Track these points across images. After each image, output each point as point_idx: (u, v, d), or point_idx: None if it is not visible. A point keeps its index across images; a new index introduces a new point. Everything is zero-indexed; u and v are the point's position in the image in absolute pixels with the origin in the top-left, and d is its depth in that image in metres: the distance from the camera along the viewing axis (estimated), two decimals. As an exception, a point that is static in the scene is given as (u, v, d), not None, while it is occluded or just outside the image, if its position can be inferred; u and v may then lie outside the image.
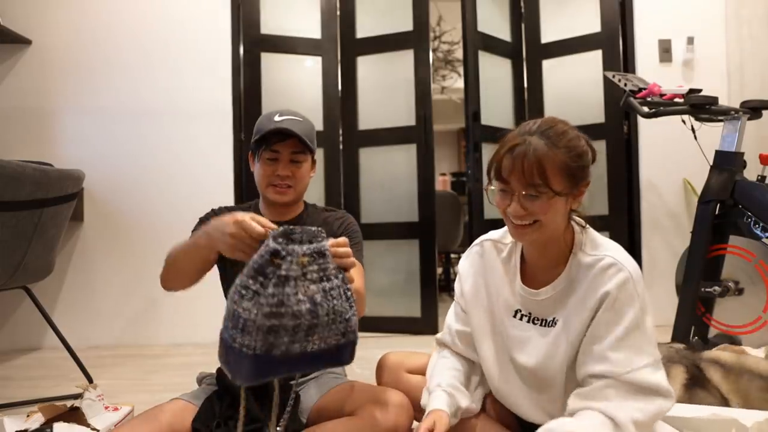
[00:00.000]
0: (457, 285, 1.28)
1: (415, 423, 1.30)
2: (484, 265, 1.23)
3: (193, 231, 1.33)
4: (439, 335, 1.32)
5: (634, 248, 3.00)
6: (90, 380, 1.98)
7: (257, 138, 1.34)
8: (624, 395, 0.97)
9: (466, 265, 1.26)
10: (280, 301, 0.84)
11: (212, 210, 1.42)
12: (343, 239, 1.00)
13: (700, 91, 2.22)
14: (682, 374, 1.48)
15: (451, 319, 1.29)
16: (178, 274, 1.23)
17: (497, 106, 3.19)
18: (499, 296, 1.19)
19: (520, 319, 1.15)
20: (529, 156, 1.02)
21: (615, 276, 1.01)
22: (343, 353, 0.93)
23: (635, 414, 0.95)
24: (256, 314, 0.83)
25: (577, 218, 1.13)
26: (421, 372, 1.32)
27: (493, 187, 1.10)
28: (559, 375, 1.08)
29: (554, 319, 1.10)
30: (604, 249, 1.07)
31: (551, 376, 1.09)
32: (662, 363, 1.03)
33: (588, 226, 1.12)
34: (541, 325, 1.12)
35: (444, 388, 1.16)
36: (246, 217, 1.00)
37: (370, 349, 2.64)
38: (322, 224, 1.39)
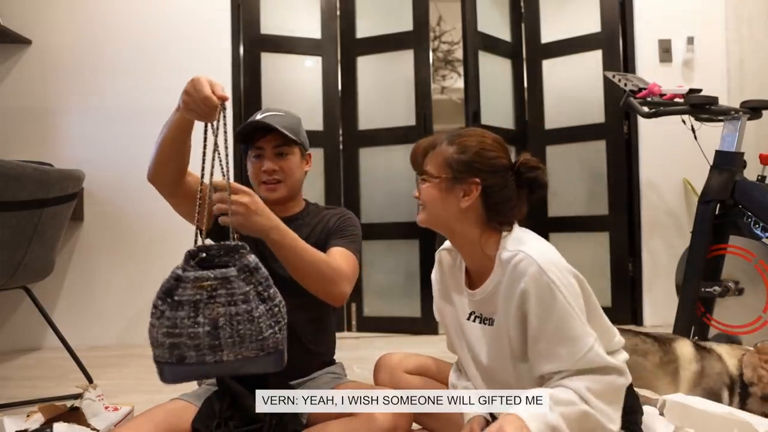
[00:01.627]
0: (434, 298, 1.33)
1: (414, 425, 1.30)
2: (444, 274, 1.28)
3: None
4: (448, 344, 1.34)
5: (634, 248, 3.01)
6: (90, 380, 1.98)
7: (240, 138, 1.36)
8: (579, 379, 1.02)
9: (433, 276, 1.32)
10: (174, 324, 0.92)
11: None
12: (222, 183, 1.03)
13: (700, 91, 2.22)
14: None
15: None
16: (162, 150, 1.19)
17: (497, 106, 3.18)
18: (457, 302, 1.24)
19: (474, 320, 1.19)
20: (424, 144, 1.20)
21: (526, 271, 1.03)
22: (267, 363, 0.97)
23: (589, 384, 1.01)
24: (157, 332, 0.93)
25: (505, 223, 1.15)
26: (420, 373, 1.33)
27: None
28: (509, 371, 1.13)
29: (492, 317, 1.15)
30: (520, 244, 1.09)
31: (501, 374, 1.14)
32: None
33: (517, 226, 1.15)
34: (485, 324, 1.17)
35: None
36: (203, 77, 1.07)
37: (369, 349, 2.64)
38: (320, 221, 1.40)
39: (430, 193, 1.15)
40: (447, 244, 1.28)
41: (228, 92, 3.36)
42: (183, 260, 0.96)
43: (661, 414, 1.37)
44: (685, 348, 1.60)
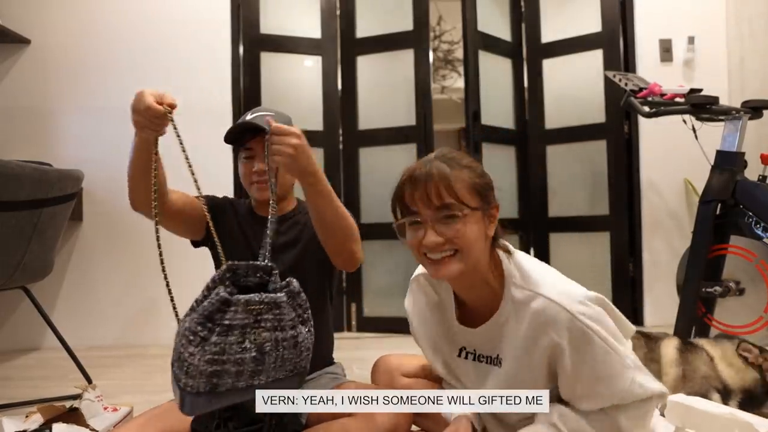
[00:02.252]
0: (410, 326, 1.23)
1: (414, 427, 1.29)
2: (425, 302, 1.17)
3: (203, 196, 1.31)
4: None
5: (634, 248, 3.00)
6: (89, 381, 1.97)
7: (229, 139, 1.35)
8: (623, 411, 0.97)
9: (409, 303, 1.22)
10: (222, 350, 0.87)
11: (225, 197, 1.47)
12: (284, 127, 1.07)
13: (700, 90, 2.22)
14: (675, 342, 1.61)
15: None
16: (133, 176, 1.22)
17: (497, 105, 3.18)
18: (442, 334, 1.14)
19: (466, 357, 1.10)
20: (433, 176, 0.96)
21: (555, 320, 0.94)
22: (292, 382, 0.98)
23: (626, 415, 0.96)
24: (199, 360, 0.86)
25: (503, 243, 1.05)
26: (418, 375, 1.32)
27: (403, 221, 1.00)
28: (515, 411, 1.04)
29: (498, 356, 1.05)
30: (535, 283, 0.99)
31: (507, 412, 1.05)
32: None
33: (513, 250, 1.05)
34: (487, 362, 1.07)
35: None
36: (147, 90, 1.11)
37: (369, 349, 2.64)
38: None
39: (470, 230, 0.95)
40: (422, 269, 1.14)
41: (228, 92, 3.35)
42: (218, 280, 0.93)
43: (662, 414, 1.36)
44: (668, 349, 1.59)
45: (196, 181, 1.08)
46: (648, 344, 1.59)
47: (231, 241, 1.32)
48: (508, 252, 1.04)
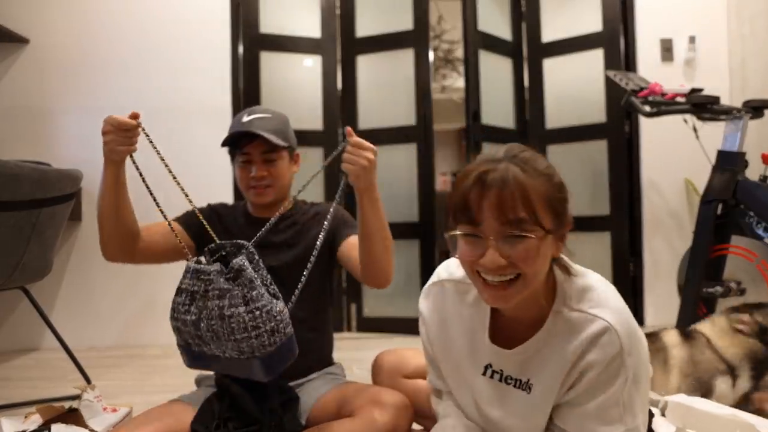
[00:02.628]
0: (421, 329, 1.09)
1: (414, 425, 1.29)
2: (447, 310, 1.03)
3: (181, 216, 1.37)
4: (428, 379, 1.16)
5: (635, 248, 3.00)
6: (88, 381, 1.97)
7: (227, 143, 1.33)
8: None
9: (428, 307, 1.06)
10: (174, 308, 1.05)
11: (208, 205, 1.44)
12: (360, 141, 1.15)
13: (701, 90, 2.22)
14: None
15: (429, 368, 1.15)
16: (106, 217, 1.28)
17: (498, 105, 3.17)
18: (464, 348, 1.00)
19: (491, 377, 0.97)
20: (509, 183, 0.79)
21: (605, 347, 0.84)
22: (248, 367, 1.02)
23: None
24: (170, 316, 1.07)
25: (564, 262, 0.92)
26: (419, 375, 1.29)
27: (459, 233, 0.85)
28: (529, 425, 0.96)
29: (528, 380, 0.94)
30: (596, 303, 0.88)
31: (518, 425, 0.96)
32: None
33: (574, 270, 0.93)
34: (515, 386, 0.95)
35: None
36: (109, 116, 1.17)
37: (369, 349, 2.63)
38: (313, 217, 1.40)
39: (540, 253, 0.82)
40: (453, 271, 1.03)
41: (227, 92, 3.34)
42: (204, 253, 1.07)
43: (663, 415, 1.36)
44: (670, 336, 1.60)
45: (187, 196, 1.11)
46: (650, 338, 1.59)
47: (227, 236, 1.31)
48: (567, 272, 0.92)
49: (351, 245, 1.30)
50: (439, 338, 1.04)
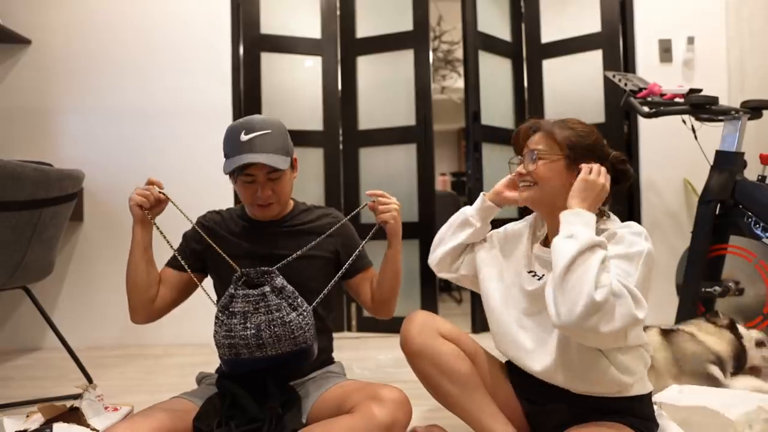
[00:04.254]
0: (501, 230, 1.41)
1: (419, 420, 1.30)
2: (508, 238, 1.37)
3: (178, 249, 1.39)
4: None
5: (634, 248, 3.00)
6: (90, 380, 1.98)
7: (228, 164, 1.28)
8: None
9: (515, 225, 1.40)
10: (229, 329, 1.20)
11: (199, 222, 1.42)
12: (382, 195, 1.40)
13: (700, 90, 2.22)
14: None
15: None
16: (135, 284, 1.30)
17: (497, 106, 3.18)
18: (518, 258, 1.31)
19: (533, 276, 1.24)
20: (540, 124, 1.26)
21: (632, 227, 1.11)
22: (299, 356, 1.23)
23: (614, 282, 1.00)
24: (219, 336, 1.21)
25: (603, 209, 1.22)
26: (452, 339, 1.28)
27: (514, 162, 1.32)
28: None
29: None
30: (629, 227, 1.14)
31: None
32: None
33: (612, 216, 1.22)
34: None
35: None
36: (139, 189, 1.28)
37: (369, 349, 2.64)
38: (311, 222, 1.41)
39: (549, 168, 1.20)
40: (508, 226, 1.39)
41: (228, 92, 3.35)
42: (232, 283, 1.22)
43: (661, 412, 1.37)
44: (651, 336, 1.62)
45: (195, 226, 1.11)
46: None
47: (231, 253, 1.33)
48: (605, 215, 1.21)
49: (364, 278, 1.46)
50: (489, 255, 1.37)
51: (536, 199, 1.22)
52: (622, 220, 1.19)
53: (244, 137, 1.26)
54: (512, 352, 1.25)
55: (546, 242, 1.26)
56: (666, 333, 1.63)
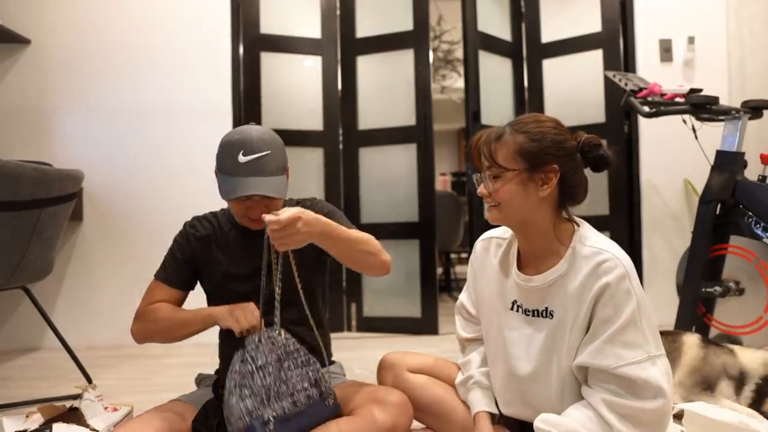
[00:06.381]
0: (469, 273, 1.33)
1: (415, 423, 1.30)
2: (487, 261, 1.26)
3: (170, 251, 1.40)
4: (456, 330, 1.37)
5: (634, 248, 3.00)
6: (89, 380, 1.97)
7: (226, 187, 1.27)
8: (615, 390, 1.01)
9: (476, 259, 1.30)
10: (250, 392, 1.11)
11: (185, 230, 1.41)
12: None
13: (700, 90, 2.22)
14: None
15: (463, 298, 1.36)
16: (170, 335, 1.35)
17: (497, 105, 3.18)
18: (497, 290, 1.22)
19: (516, 310, 1.17)
20: (486, 138, 1.12)
21: (612, 271, 1.03)
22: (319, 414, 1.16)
23: (625, 409, 0.99)
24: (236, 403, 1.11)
25: (572, 217, 1.15)
26: (423, 371, 1.32)
27: (476, 173, 1.19)
28: (551, 375, 1.10)
29: (547, 308, 1.11)
30: (603, 244, 1.08)
31: (543, 377, 1.11)
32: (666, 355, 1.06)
33: (582, 223, 1.15)
34: (533, 315, 1.13)
35: (480, 384, 1.24)
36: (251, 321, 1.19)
37: (369, 349, 2.64)
38: None
39: (507, 189, 1.09)
40: (495, 231, 1.28)
41: (228, 92, 3.35)
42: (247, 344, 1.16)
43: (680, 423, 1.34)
44: (691, 338, 1.59)
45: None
46: (668, 338, 1.58)
47: (225, 260, 1.33)
48: (576, 224, 1.14)
49: None
50: (482, 284, 1.27)
51: (502, 219, 1.14)
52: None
53: (242, 158, 1.22)
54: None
55: (519, 262, 1.19)
56: (706, 341, 1.59)
